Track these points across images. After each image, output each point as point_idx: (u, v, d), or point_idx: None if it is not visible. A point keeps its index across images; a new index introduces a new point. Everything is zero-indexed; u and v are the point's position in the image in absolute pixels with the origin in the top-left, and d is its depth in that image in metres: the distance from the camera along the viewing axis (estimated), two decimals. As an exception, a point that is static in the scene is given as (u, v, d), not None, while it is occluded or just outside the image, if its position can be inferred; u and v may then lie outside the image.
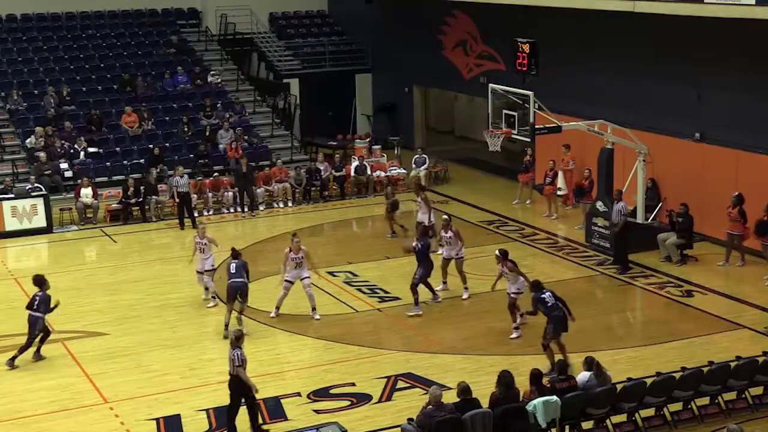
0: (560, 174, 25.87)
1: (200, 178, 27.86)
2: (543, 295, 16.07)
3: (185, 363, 17.13)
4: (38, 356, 17.41)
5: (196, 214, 26.10)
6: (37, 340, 17.36)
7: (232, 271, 18.27)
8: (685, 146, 23.46)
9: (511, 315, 17.78)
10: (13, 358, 17.18)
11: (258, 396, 14.30)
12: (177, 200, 25.64)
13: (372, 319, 19.17)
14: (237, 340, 14.09)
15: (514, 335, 17.72)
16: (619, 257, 21.57)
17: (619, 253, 21.58)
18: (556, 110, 22.61)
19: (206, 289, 19.92)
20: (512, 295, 17.65)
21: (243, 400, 14.23)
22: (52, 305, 17.43)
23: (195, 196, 26.71)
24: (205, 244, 19.62)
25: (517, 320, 17.69)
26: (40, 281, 17.55)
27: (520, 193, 27.45)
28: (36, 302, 17.26)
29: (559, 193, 25.96)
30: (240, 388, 14.10)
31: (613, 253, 21.93)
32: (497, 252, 17.98)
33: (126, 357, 17.44)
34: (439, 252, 20.01)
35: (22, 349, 17.18)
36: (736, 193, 21.13)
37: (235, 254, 18.61)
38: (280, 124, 32.96)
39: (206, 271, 19.69)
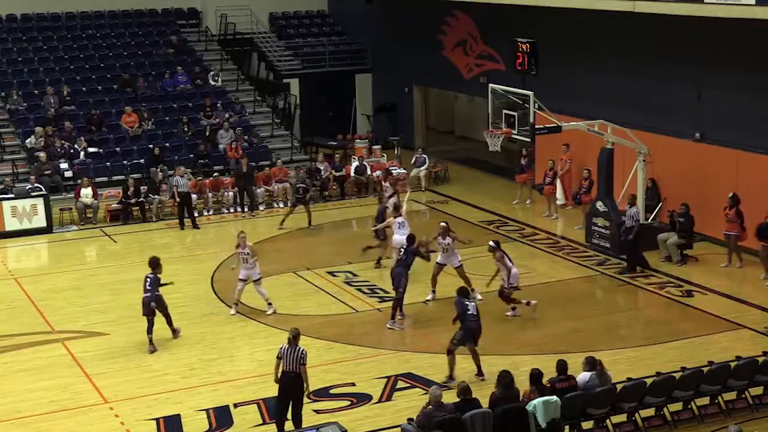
0: (558, 183, 25.84)
1: (200, 178, 27.84)
2: (467, 303, 16.06)
3: (185, 363, 17.12)
4: (150, 340, 17.73)
5: (196, 214, 26.11)
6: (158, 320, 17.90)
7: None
8: (685, 146, 23.46)
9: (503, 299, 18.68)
10: (173, 330, 18.16)
11: (262, 396, 14.27)
12: (177, 200, 25.63)
13: (372, 319, 19.17)
14: (295, 339, 13.95)
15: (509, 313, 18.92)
16: (633, 263, 21.26)
17: (633, 259, 21.30)
18: (556, 110, 22.62)
19: (235, 304, 19.42)
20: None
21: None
22: (163, 282, 18.01)
23: (195, 196, 26.69)
24: (247, 253, 19.17)
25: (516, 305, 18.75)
26: (153, 263, 17.98)
27: (519, 193, 27.45)
28: (147, 283, 17.73)
29: (558, 202, 25.96)
30: (299, 386, 13.95)
31: (626, 259, 21.58)
32: (491, 243, 19.00)
33: (126, 357, 17.44)
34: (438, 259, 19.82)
35: (150, 329, 17.71)
36: (731, 194, 21.12)
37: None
38: (280, 124, 32.97)
39: (255, 281, 19.28)
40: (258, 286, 19.33)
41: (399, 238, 20.21)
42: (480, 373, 15.97)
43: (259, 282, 19.32)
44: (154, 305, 17.64)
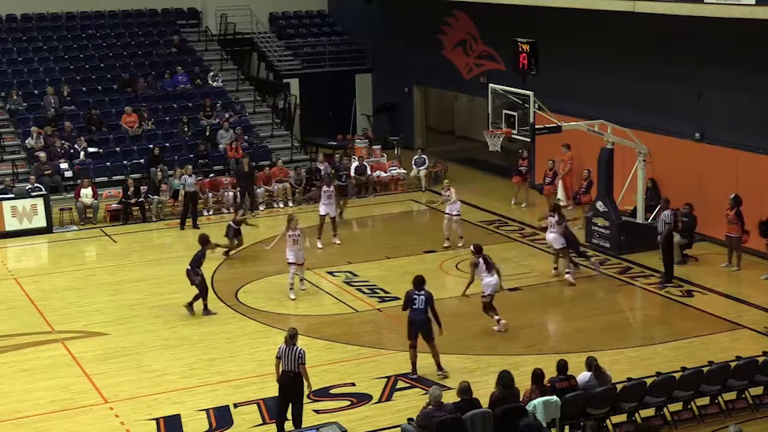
0: (560, 185, 25.78)
1: (200, 177, 27.79)
2: (414, 296, 16.02)
3: (185, 363, 17.12)
4: (190, 309, 19.33)
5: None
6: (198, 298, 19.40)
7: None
8: (685, 146, 23.46)
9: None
10: (190, 304, 19.29)
11: (262, 396, 14.23)
12: (188, 194, 25.48)
13: (372, 319, 19.17)
14: (292, 338, 13.95)
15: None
16: (669, 270, 20.70)
17: (668, 266, 20.70)
18: (556, 110, 22.61)
19: (291, 288, 20.12)
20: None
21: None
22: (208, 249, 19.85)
23: (196, 195, 26.67)
24: (298, 235, 19.94)
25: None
26: (202, 240, 19.88)
27: (516, 194, 27.38)
28: (193, 258, 19.50)
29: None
30: (298, 385, 13.93)
31: (664, 271, 20.80)
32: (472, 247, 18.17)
33: (126, 357, 17.43)
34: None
35: (196, 297, 19.31)
36: (733, 195, 21.09)
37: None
38: (280, 124, 32.96)
39: (301, 264, 20.15)
40: (300, 270, 20.31)
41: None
42: (414, 372, 16.04)
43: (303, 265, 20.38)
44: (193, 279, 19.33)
